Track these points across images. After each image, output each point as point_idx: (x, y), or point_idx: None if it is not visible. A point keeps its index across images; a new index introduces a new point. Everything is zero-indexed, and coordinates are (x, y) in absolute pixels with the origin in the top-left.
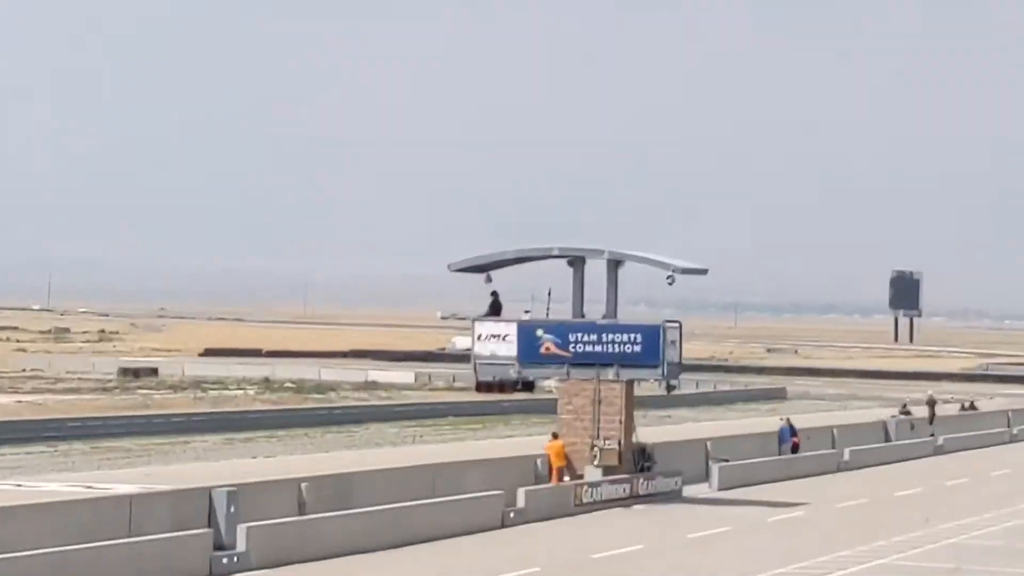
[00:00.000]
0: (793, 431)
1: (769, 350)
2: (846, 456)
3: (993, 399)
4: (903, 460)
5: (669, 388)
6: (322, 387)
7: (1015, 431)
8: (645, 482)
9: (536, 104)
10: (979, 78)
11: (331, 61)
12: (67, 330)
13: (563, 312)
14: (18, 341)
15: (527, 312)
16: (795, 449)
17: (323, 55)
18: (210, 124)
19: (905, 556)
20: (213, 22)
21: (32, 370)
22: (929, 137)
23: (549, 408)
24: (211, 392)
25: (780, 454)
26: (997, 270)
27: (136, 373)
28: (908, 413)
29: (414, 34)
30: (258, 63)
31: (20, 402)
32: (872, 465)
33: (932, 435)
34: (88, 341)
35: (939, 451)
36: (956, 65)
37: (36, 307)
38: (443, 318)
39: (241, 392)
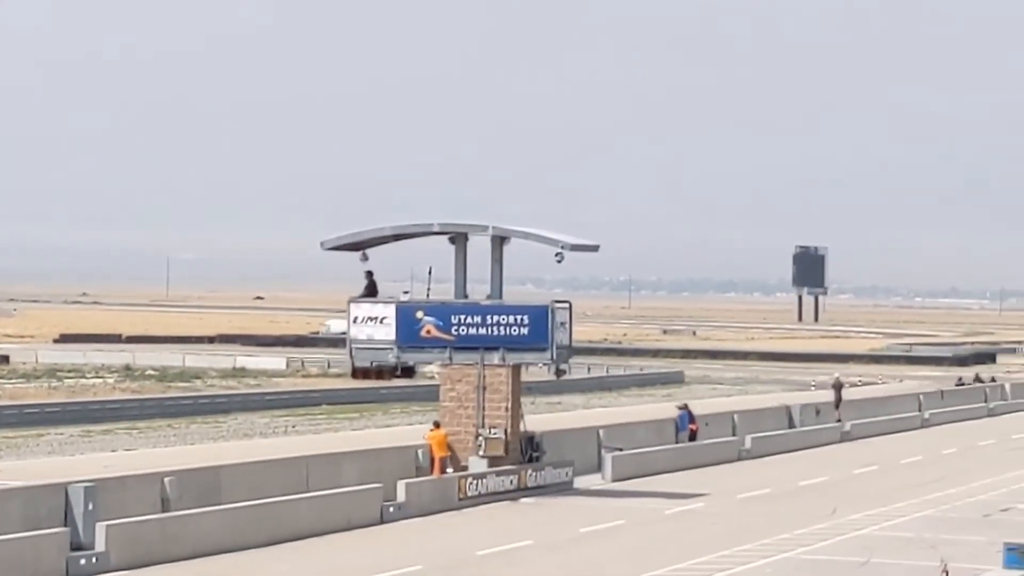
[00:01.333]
0: (691, 417)
1: (665, 331)
2: (747, 444)
3: (903, 381)
4: (808, 447)
5: (559, 373)
6: (187, 374)
7: (927, 415)
8: (533, 473)
9: (422, 76)
10: (886, 47)
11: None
12: None
13: (445, 292)
14: None
15: (406, 293)
16: (693, 437)
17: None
18: (49, 84)
19: (811, 549)
20: None
21: None
22: (832, 105)
23: (430, 395)
24: (67, 381)
25: (677, 442)
26: (907, 245)
27: None
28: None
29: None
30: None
31: None
32: (775, 453)
33: (839, 421)
34: None
35: (846, 437)
36: (864, 35)
37: None
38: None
39: (99, 381)
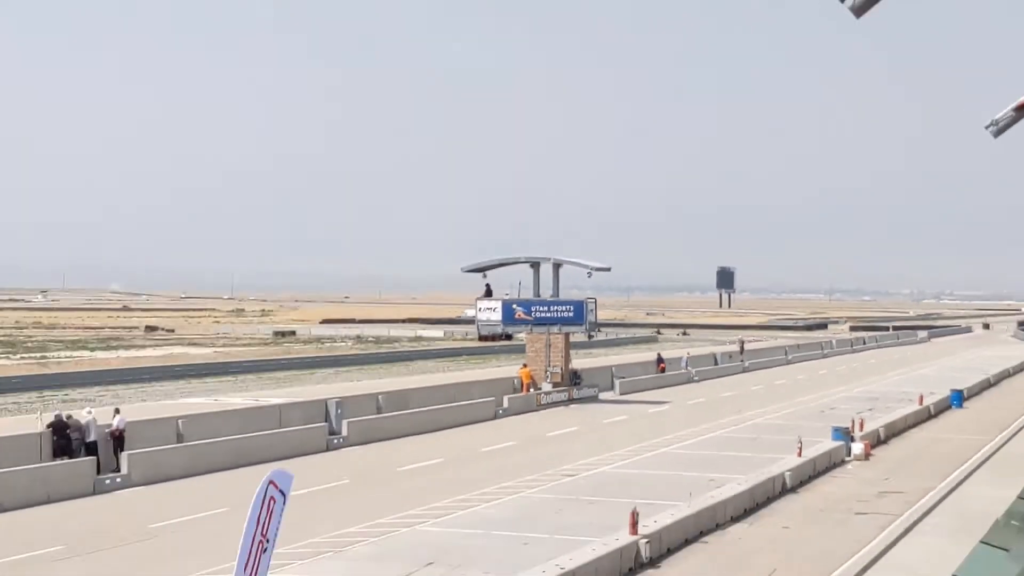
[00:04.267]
0: (661, 360)
1: (648, 314)
2: (694, 374)
3: (778, 340)
4: (726, 376)
5: (590, 337)
6: (391, 340)
7: (790, 357)
8: (577, 391)
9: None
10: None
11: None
12: (242, 310)
13: (528, 294)
14: (213, 317)
15: (507, 294)
16: (663, 371)
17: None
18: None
19: (727, 430)
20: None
21: (222, 334)
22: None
23: (521, 350)
24: (326, 344)
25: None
26: (778, 262)
27: (283, 334)
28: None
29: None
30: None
31: (216, 351)
32: (708, 379)
33: (742, 361)
34: (256, 316)
35: (746, 371)
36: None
37: (225, 296)
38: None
39: (344, 344)
